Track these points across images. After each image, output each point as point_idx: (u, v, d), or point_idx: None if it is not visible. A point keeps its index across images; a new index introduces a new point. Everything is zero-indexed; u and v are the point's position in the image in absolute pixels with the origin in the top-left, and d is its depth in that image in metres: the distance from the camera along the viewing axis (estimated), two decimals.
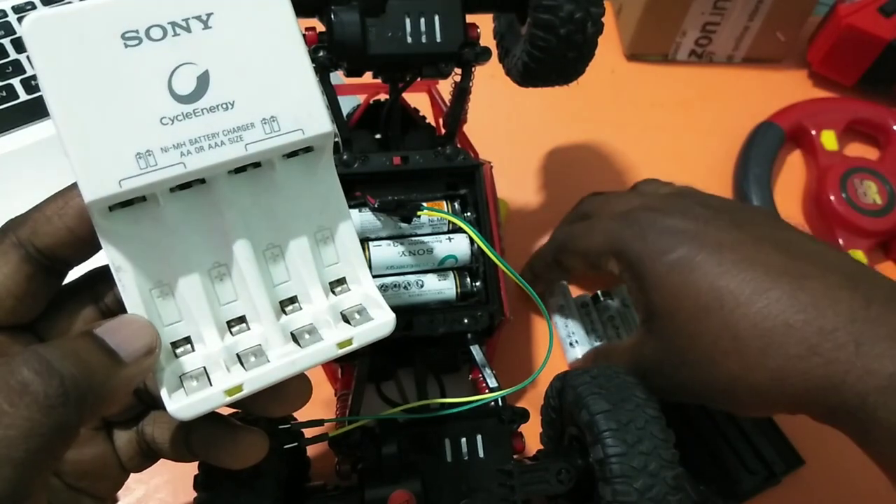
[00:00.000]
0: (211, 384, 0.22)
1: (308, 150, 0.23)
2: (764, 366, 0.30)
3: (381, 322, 0.24)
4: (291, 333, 0.23)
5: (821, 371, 0.29)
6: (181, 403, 0.21)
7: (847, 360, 0.29)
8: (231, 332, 0.23)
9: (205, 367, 0.22)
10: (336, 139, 0.34)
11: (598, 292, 0.47)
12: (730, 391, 0.32)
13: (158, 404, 0.21)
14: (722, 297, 0.31)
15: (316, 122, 0.22)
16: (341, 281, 0.25)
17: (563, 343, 0.45)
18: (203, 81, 0.20)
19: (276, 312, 0.23)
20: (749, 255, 0.32)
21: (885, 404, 0.28)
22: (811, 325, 0.30)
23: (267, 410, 0.25)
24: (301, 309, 0.24)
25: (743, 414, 0.35)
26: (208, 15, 0.20)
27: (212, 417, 0.22)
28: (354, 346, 0.23)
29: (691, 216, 0.35)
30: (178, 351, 0.23)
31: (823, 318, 0.30)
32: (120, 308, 0.22)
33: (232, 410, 0.26)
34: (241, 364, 0.23)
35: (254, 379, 0.22)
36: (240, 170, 0.22)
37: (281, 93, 0.21)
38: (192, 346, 0.23)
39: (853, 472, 0.39)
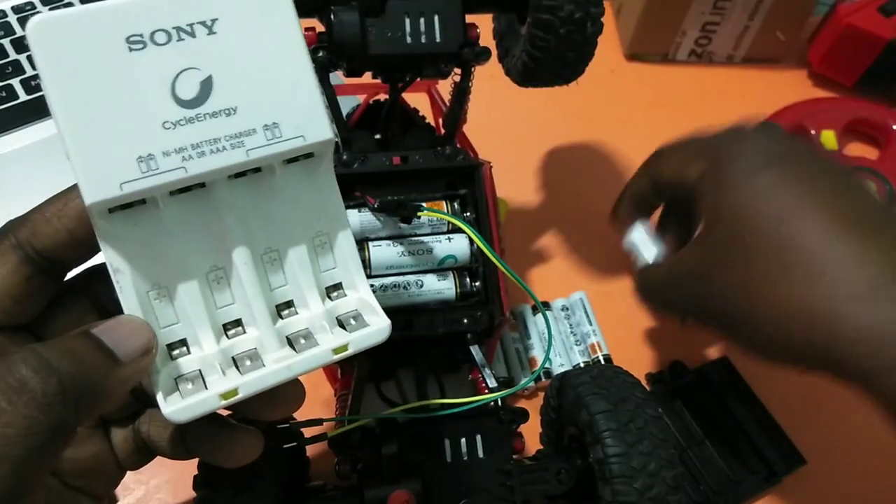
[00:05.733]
0: (206, 387, 0.22)
1: (308, 155, 0.23)
2: (803, 296, 0.29)
3: (377, 328, 0.24)
4: (287, 338, 0.23)
5: (862, 321, 0.27)
6: (176, 406, 0.21)
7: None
8: (227, 336, 0.23)
9: (200, 370, 0.22)
10: (336, 140, 0.34)
11: None
12: (759, 317, 0.31)
13: (154, 403, 0.21)
14: (787, 217, 0.30)
15: (317, 128, 0.22)
16: (338, 286, 0.25)
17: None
18: (206, 86, 0.20)
19: (272, 316, 0.23)
20: (829, 194, 0.31)
21: None
22: (867, 269, 0.28)
23: (260, 414, 0.25)
24: (297, 314, 0.24)
25: (762, 353, 0.33)
26: (213, 20, 0.20)
27: (208, 416, 0.22)
28: (350, 351, 0.23)
29: (798, 150, 0.34)
30: (175, 353, 0.23)
31: (881, 268, 0.28)
32: (118, 308, 0.22)
33: (227, 412, 0.26)
34: (237, 367, 0.23)
35: (249, 383, 0.22)
36: (240, 174, 0.22)
37: (283, 99, 0.21)
38: (188, 349, 0.23)
39: (855, 471, 0.39)
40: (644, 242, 0.43)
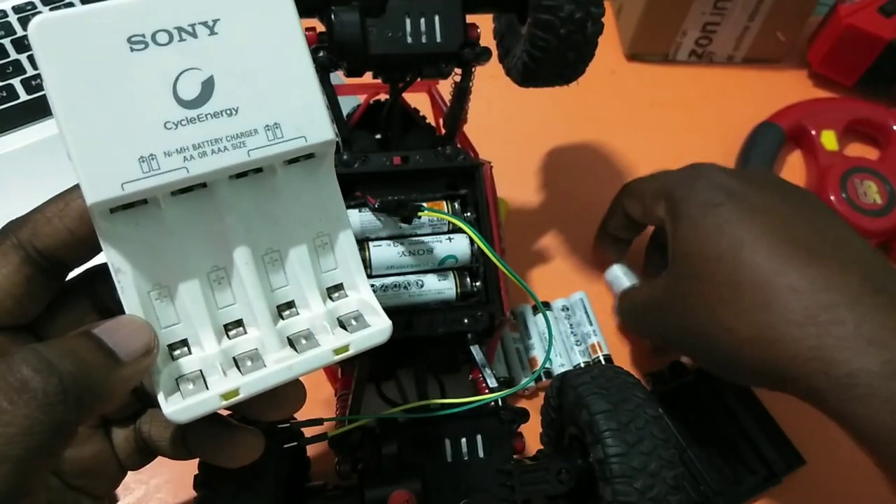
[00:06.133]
0: (207, 387, 0.22)
1: (309, 156, 0.23)
2: (756, 322, 0.31)
3: (378, 329, 0.24)
4: (288, 338, 0.23)
5: (813, 342, 0.30)
6: (177, 406, 0.21)
7: (843, 337, 0.29)
8: (228, 336, 0.23)
9: (201, 371, 0.22)
10: (337, 141, 0.34)
11: None
12: (718, 343, 0.33)
13: (155, 402, 0.21)
14: (738, 250, 0.33)
15: (319, 129, 0.22)
16: (339, 287, 0.25)
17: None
18: (208, 87, 0.20)
19: (273, 317, 0.23)
20: (779, 224, 0.33)
21: (876, 389, 0.28)
22: (815, 295, 0.30)
23: (261, 414, 0.25)
24: (298, 314, 0.24)
25: (723, 375, 0.36)
26: (214, 21, 0.20)
27: (209, 417, 0.22)
28: (351, 352, 0.23)
29: (745, 180, 0.36)
30: (176, 353, 0.23)
31: (829, 293, 0.30)
32: (119, 308, 0.22)
33: (228, 412, 0.26)
34: (238, 368, 0.23)
35: (250, 383, 0.22)
36: (241, 174, 0.22)
37: (284, 100, 0.21)
38: (189, 349, 0.23)
39: (855, 472, 0.39)
40: (621, 282, 0.47)
